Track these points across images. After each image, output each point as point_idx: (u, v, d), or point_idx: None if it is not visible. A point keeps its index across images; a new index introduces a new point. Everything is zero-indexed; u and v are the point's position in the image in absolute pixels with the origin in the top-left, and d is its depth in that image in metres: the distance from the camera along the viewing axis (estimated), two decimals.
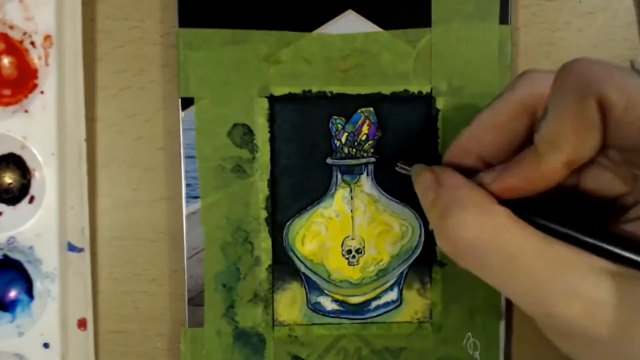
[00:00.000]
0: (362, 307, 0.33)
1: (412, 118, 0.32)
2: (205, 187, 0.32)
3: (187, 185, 0.32)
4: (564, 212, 0.23)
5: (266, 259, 0.32)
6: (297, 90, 0.32)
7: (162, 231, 0.33)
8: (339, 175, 0.32)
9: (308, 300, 0.33)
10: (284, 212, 0.32)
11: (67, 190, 0.31)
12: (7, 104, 0.30)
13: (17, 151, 0.31)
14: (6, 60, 0.31)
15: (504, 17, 0.32)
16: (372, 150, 0.32)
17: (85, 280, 0.32)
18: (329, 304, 0.33)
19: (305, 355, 0.33)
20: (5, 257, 0.31)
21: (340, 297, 0.33)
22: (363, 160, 0.32)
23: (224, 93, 0.32)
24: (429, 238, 0.33)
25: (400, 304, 0.33)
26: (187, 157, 0.32)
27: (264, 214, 0.32)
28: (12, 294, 0.31)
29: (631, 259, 0.20)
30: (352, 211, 0.33)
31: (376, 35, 0.32)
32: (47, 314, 0.31)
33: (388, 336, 0.33)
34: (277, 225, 0.32)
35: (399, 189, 0.33)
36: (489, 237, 0.21)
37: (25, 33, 0.30)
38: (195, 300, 0.32)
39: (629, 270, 0.20)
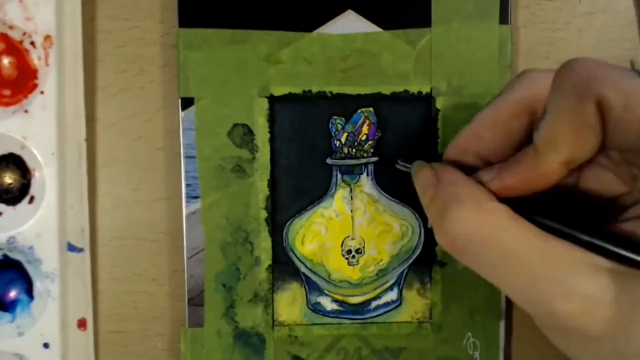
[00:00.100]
0: (362, 307, 0.33)
1: (412, 118, 0.32)
2: (205, 187, 0.32)
3: (187, 185, 0.32)
4: (563, 211, 0.23)
5: (266, 259, 0.32)
6: (297, 90, 0.32)
7: (162, 231, 0.33)
8: (339, 176, 0.32)
9: (308, 300, 0.33)
10: (284, 212, 0.32)
11: (67, 190, 0.31)
12: (7, 104, 0.30)
13: (17, 151, 0.31)
14: (6, 61, 0.31)
15: (504, 17, 0.32)
16: (372, 150, 0.32)
17: (85, 280, 0.32)
18: (328, 304, 0.33)
19: (305, 355, 0.33)
20: (5, 257, 0.31)
21: (340, 297, 0.33)
22: (363, 161, 0.32)
23: (224, 93, 0.32)
24: (429, 238, 0.33)
25: (400, 304, 0.33)
26: (187, 157, 0.32)
27: (264, 214, 0.32)
28: (12, 294, 0.31)
29: (628, 257, 0.20)
30: (352, 211, 0.33)
31: (376, 36, 0.32)
32: (47, 314, 0.31)
33: (388, 336, 0.33)
34: (277, 225, 0.32)
35: (398, 189, 0.33)
36: (487, 233, 0.21)
37: (25, 33, 0.30)
38: (195, 300, 0.32)
39: (626, 269, 0.20)
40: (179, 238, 0.32)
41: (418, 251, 0.33)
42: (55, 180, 0.31)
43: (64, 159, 0.31)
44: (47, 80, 0.30)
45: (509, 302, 0.33)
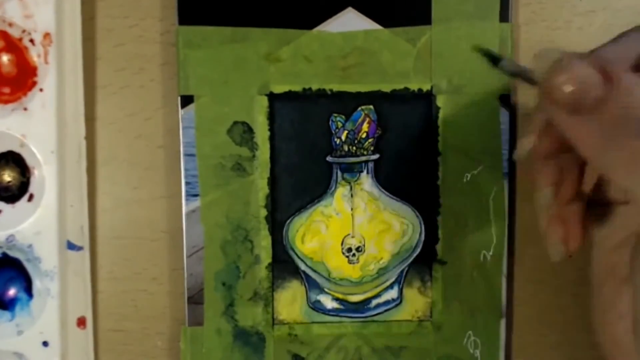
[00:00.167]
0: (362, 305, 0.33)
1: (412, 116, 0.32)
2: (205, 186, 0.32)
3: (187, 183, 0.32)
4: None
5: (266, 258, 0.32)
6: (297, 88, 0.32)
7: (162, 229, 0.33)
8: (339, 173, 0.32)
9: (308, 299, 0.33)
10: (284, 211, 0.32)
11: (66, 189, 0.31)
12: (6, 102, 0.30)
13: (17, 149, 0.31)
14: (5, 58, 0.30)
15: (505, 15, 0.32)
16: (372, 148, 0.32)
17: (84, 278, 0.32)
18: (329, 303, 0.33)
19: (305, 354, 0.33)
20: (5, 255, 0.31)
21: (340, 296, 0.33)
22: (363, 158, 0.32)
23: (224, 91, 0.32)
24: (429, 236, 0.33)
25: (401, 302, 0.33)
26: (186, 155, 0.32)
27: (263, 212, 0.32)
28: (12, 292, 0.31)
29: None
30: (352, 209, 0.33)
31: (376, 33, 0.32)
32: (47, 312, 0.31)
33: (388, 335, 0.33)
34: (277, 224, 0.32)
35: (399, 187, 0.33)
36: None
37: (24, 31, 0.30)
38: (195, 299, 0.32)
39: None
40: (179, 236, 0.32)
41: (418, 249, 0.33)
42: (54, 178, 0.30)
43: (64, 157, 0.31)
44: (47, 78, 0.30)
45: (510, 301, 0.33)
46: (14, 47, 0.30)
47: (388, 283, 0.33)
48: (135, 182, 0.33)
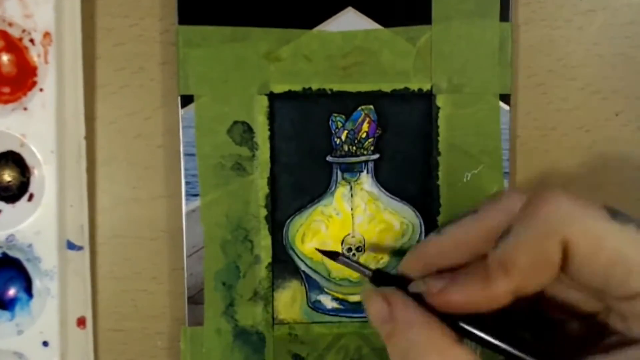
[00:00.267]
0: (362, 305, 0.33)
1: (412, 115, 0.32)
2: (204, 185, 0.32)
3: (187, 183, 0.32)
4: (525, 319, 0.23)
5: (266, 257, 0.32)
6: (297, 87, 0.32)
7: (162, 229, 0.33)
8: (339, 173, 0.32)
9: (308, 299, 0.33)
10: (283, 210, 0.32)
11: (66, 188, 0.31)
12: (6, 102, 0.30)
13: (17, 149, 0.31)
14: (5, 58, 0.30)
15: (505, 15, 0.32)
16: (372, 147, 0.32)
17: (84, 278, 0.32)
18: (329, 303, 0.33)
19: (305, 353, 0.33)
20: (4, 255, 0.31)
21: (340, 296, 0.33)
22: (363, 158, 0.32)
23: (224, 91, 0.32)
24: None
25: None
26: (186, 154, 0.32)
27: (263, 212, 0.32)
28: (11, 292, 0.31)
29: None
30: (352, 209, 0.33)
31: (376, 33, 0.32)
32: (47, 312, 0.31)
33: None
34: (277, 224, 0.32)
35: (399, 187, 0.33)
36: None
37: (24, 30, 0.30)
38: (195, 299, 0.32)
39: None
40: (179, 236, 0.32)
41: None
42: (54, 178, 0.30)
43: (64, 157, 0.31)
44: (47, 78, 0.30)
45: None
46: (14, 46, 0.30)
47: None
48: (135, 181, 0.33)
